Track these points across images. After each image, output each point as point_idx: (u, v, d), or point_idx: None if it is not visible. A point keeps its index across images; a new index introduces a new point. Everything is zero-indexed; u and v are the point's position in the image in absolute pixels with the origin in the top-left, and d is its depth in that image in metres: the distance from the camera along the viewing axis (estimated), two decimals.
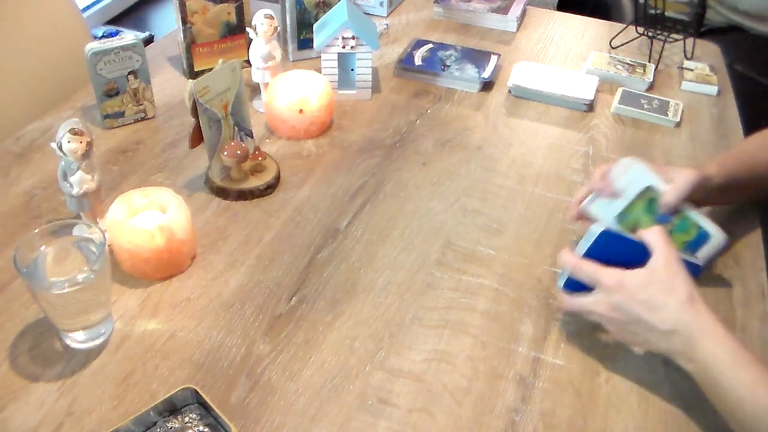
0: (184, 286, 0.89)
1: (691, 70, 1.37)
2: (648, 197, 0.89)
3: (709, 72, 1.37)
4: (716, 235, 0.89)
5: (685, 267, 0.77)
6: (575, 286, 0.80)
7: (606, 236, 0.79)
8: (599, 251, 0.79)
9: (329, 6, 1.30)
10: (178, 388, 0.73)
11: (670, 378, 0.80)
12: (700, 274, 0.81)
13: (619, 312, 0.76)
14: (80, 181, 0.87)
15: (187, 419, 0.73)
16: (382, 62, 1.38)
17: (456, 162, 1.13)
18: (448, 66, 1.33)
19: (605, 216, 0.89)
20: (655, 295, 0.74)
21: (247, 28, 1.18)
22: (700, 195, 0.90)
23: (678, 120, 1.23)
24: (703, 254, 0.90)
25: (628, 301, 0.75)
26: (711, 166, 0.93)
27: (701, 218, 0.89)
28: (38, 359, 0.79)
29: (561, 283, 0.83)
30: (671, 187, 0.87)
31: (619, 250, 0.79)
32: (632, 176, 0.89)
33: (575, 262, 0.80)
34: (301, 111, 1.13)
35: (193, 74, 1.28)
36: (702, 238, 0.89)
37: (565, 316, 0.87)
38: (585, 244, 0.80)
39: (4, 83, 1.25)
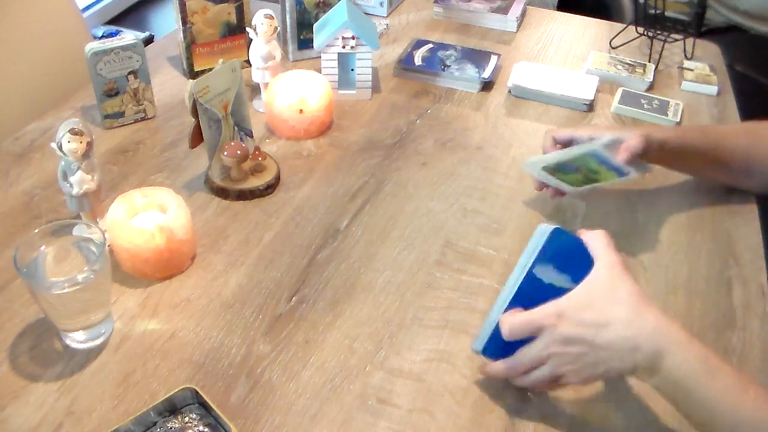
0: (184, 286, 0.89)
1: (691, 70, 1.37)
2: (596, 155, 0.91)
3: (709, 72, 1.37)
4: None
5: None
6: (496, 349, 0.72)
7: (555, 240, 0.72)
8: (550, 258, 0.73)
9: (329, 6, 1.30)
10: (178, 388, 0.73)
11: None
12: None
13: (570, 345, 0.68)
14: (80, 181, 0.87)
15: (187, 419, 0.73)
16: (382, 62, 1.38)
17: (456, 162, 1.13)
18: (448, 66, 1.33)
19: (540, 163, 0.94)
20: (600, 311, 0.67)
21: (247, 28, 1.18)
22: (654, 155, 0.94)
23: (678, 120, 1.23)
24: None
25: (575, 329, 0.67)
26: (669, 130, 1.00)
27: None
28: (38, 359, 0.79)
29: (479, 347, 0.74)
30: (622, 147, 0.89)
31: (571, 255, 0.72)
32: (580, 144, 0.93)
33: (508, 321, 0.70)
34: (301, 111, 1.13)
35: (193, 74, 1.28)
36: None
37: None
38: (530, 255, 0.73)
39: (4, 83, 1.25)
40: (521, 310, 0.72)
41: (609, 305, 0.67)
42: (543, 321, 0.69)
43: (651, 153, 0.93)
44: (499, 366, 0.74)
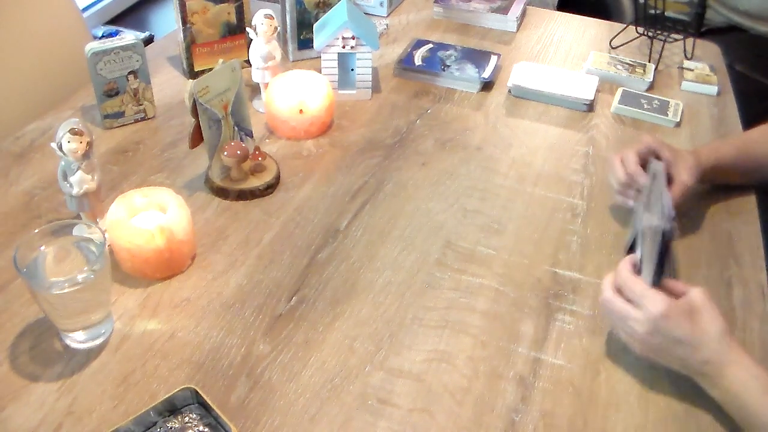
0: (184, 286, 0.89)
1: (691, 70, 1.37)
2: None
3: (709, 72, 1.37)
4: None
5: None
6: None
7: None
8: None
9: (329, 6, 1.30)
10: (178, 388, 0.73)
11: (670, 378, 0.80)
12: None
13: (656, 337, 0.76)
14: (80, 181, 0.87)
15: (187, 419, 0.73)
16: (382, 62, 1.38)
17: (456, 162, 1.13)
18: (448, 66, 1.33)
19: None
20: (696, 329, 0.75)
21: (247, 28, 1.18)
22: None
23: (678, 120, 1.23)
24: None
25: (671, 330, 0.75)
26: (703, 149, 1.01)
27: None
28: (38, 359, 0.79)
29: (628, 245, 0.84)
30: (674, 188, 0.94)
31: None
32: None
33: (627, 276, 0.79)
34: (301, 111, 1.13)
35: (193, 74, 1.28)
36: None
37: (565, 315, 0.87)
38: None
39: (4, 83, 1.25)
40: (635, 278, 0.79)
41: (705, 326, 0.75)
42: (651, 308, 0.75)
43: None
44: (607, 296, 0.80)
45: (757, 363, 0.73)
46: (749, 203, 1.06)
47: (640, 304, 0.76)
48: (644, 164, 0.97)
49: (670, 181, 0.95)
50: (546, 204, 1.05)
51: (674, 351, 0.76)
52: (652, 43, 1.42)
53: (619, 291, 0.79)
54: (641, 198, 0.94)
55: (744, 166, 1.03)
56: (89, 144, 0.86)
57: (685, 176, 0.95)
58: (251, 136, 1.10)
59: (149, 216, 0.91)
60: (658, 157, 0.96)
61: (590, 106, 1.27)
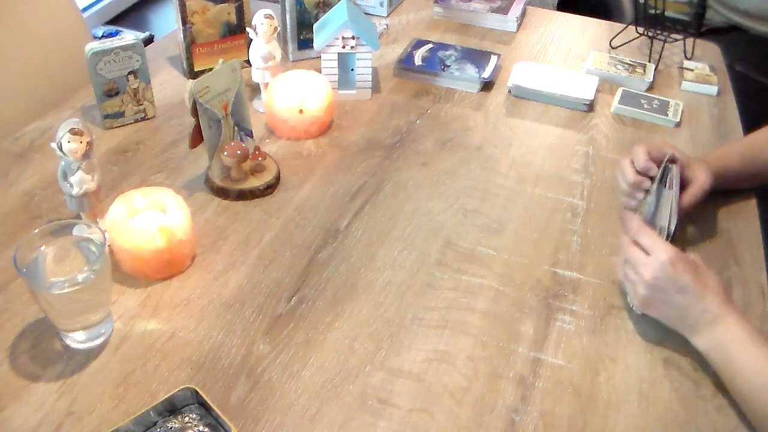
0: (184, 286, 0.89)
1: (691, 70, 1.37)
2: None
3: (709, 72, 1.37)
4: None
5: None
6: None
7: None
8: None
9: (329, 6, 1.30)
10: (178, 388, 0.73)
11: (670, 378, 0.80)
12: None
13: (661, 281, 0.80)
14: (80, 181, 0.87)
15: (187, 419, 0.73)
16: (382, 62, 1.38)
17: (456, 162, 1.13)
18: (448, 66, 1.33)
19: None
20: (700, 280, 0.80)
21: (247, 28, 1.18)
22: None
23: (678, 120, 1.23)
24: None
25: (677, 276, 0.79)
26: (710, 156, 1.02)
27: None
28: (38, 359, 0.79)
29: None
30: (688, 193, 0.95)
31: None
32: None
33: (639, 229, 0.84)
34: (301, 111, 1.13)
35: (193, 74, 1.28)
36: None
37: (565, 315, 0.87)
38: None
39: (4, 83, 1.25)
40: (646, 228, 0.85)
41: (706, 281, 0.80)
42: (660, 254, 0.81)
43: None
44: (636, 225, 0.86)
45: (750, 323, 0.77)
46: (749, 203, 1.06)
47: (651, 250, 0.82)
48: (657, 164, 0.96)
49: (683, 185, 0.95)
50: (546, 204, 1.05)
51: (675, 298, 0.80)
52: (652, 43, 1.42)
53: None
54: (648, 195, 0.93)
55: (750, 172, 1.04)
56: (89, 144, 0.86)
57: (704, 177, 0.96)
58: (251, 136, 1.10)
59: (149, 216, 0.91)
60: (671, 161, 0.95)
61: (590, 106, 1.27)
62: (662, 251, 0.81)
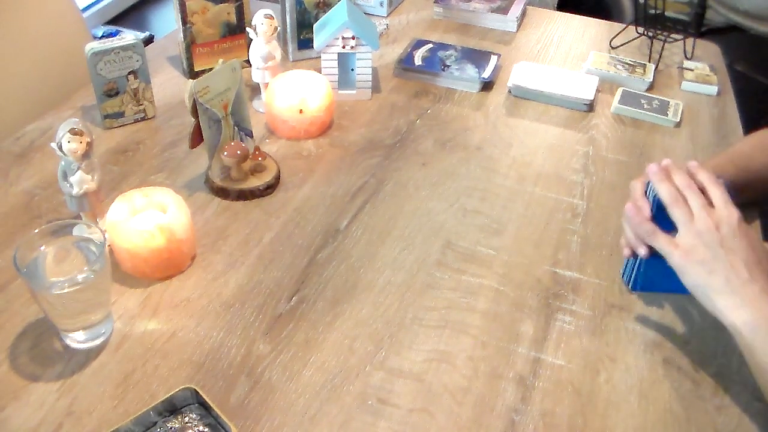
0: (184, 286, 0.89)
1: (691, 70, 1.37)
2: None
3: (709, 72, 1.37)
4: None
5: None
6: (646, 284, 0.87)
7: None
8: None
9: (329, 6, 1.31)
10: (178, 388, 0.73)
11: (670, 378, 0.80)
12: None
13: (721, 231, 0.77)
14: (80, 181, 0.87)
15: (187, 419, 0.73)
16: (382, 62, 1.38)
17: (456, 162, 1.13)
18: (448, 66, 1.33)
19: None
20: (755, 250, 0.76)
21: (247, 28, 1.18)
22: None
23: (678, 120, 1.23)
24: None
25: (737, 234, 0.77)
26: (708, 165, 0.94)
27: None
28: (38, 359, 0.79)
29: (629, 282, 0.89)
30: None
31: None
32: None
33: (710, 178, 0.81)
34: (301, 111, 1.13)
35: (193, 74, 1.28)
36: None
37: (565, 315, 0.87)
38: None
39: (4, 83, 1.25)
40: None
41: (757, 265, 0.76)
42: (729, 208, 0.78)
43: None
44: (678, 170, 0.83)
45: None
46: (749, 204, 1.06)
47: (722, 204, 0.78)
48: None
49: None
50: (546, 204, 1.05)
51: (727, 255, 0.76)
52: (652, 43, 1.42)
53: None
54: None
55: (744, 182, 0.99)
56: (89, 144, 0.86)
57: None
58: (251, 136, 1.10)
59: (149, 216, 0.91)
60: None
61: (590, 106, 1.27)
62: (735, 210, 0.78)
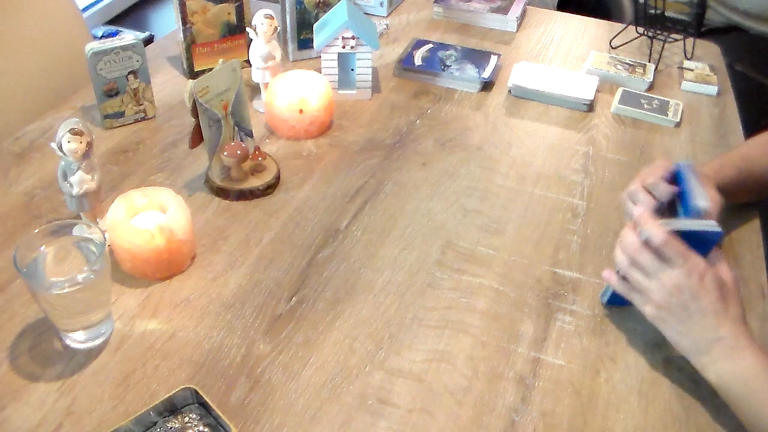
0: (184, 286, 0.89)
1: (691, 70, 1.37)
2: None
3: (709, 72, 1.37)
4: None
5: (704, 238, 0.78)
6: (618, 301, 0.82)
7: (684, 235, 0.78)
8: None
9: (329, 6, 1.30)
10: (178, 388, 0.73)
11: (670, 378, 0.80)
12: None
13: (683, 296, 0.76)
14: (80, 181, 0.87)
15: (187, 419, 0.73)
16: (382, 62, 1.38)
17: (456, 162, 1.13)
18: (448, 66, 1.33)
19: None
20: (721, 300, 0.75)
21: (247, 28, 1.18)
22: None
23: (678, 120, 1.23)
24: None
25: (698, 294, 0.75)
26: (708, 173, 0.94)
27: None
28: (38, 359, 0.79)
29: (604, 298, 0.86)
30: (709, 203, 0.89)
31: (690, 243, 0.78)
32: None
33: (665, 236, 0.77)
34: (301, 111, 1.13)
35: (193, 74, 1.28)
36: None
37: (565, 315, 0.87)
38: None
39: (4, 83, 1.25)
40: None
41: (728, 302, 0.76)
42: (688, 264, 0.76)
43: None
44: (657, 233, 0.78)
45: (763, 350, 0.74)
46: (749, 204, 1.06)
47: (680, 261, 0.76)
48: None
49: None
50: (546, 204, 1.05)
51: (691, 318, 0.76)
52: (652, 43, 1.42)
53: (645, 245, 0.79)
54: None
55: (747, 186, 0.99)
56: (89, 144, 0.86)
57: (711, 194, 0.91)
58: (251, 136, 1.10)
59: (149, 216, 0.91)
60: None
61: (590, 106, 1.27)
62: (695, 263, 0.76)
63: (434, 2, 1.57)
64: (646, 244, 0.78)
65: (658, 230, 0.77)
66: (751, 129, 1.22)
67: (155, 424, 0.72)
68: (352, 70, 1.25)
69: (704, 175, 0.92)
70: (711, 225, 0.79)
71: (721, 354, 0.74)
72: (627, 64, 1.37)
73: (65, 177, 0.87)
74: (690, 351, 0.77)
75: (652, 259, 0.78)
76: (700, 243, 0.78)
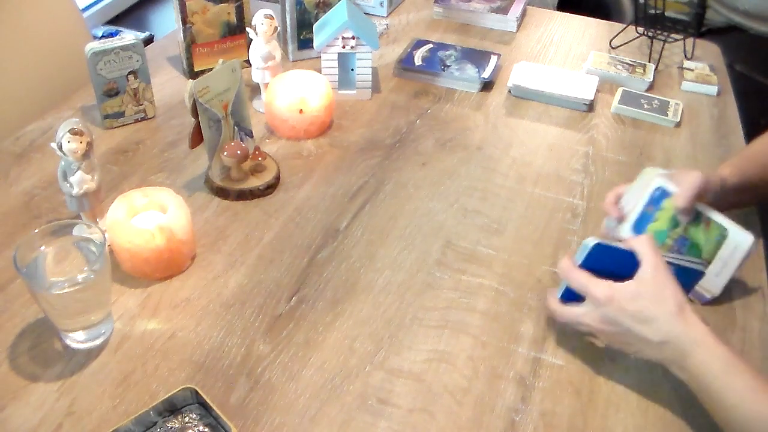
0: (184, 286, 0.89)
1: (691, 70, 1.37)
2: (671, 212, 0.88)
3: (709, 72, 1.37)
4: (739, 235, 0.86)
5: (687, 273, 0.78)
6: (572, 297, 0.79)
7: (599, 248, 0.77)
8: (594, 263, 0.78)
9: (329, 6, 1.31)
10: (178, 388, 0.73)
11: (670, 378, 0.80)
12: (727, 282, 0.83)
13: (609, 324, 0.75)
14: (80, 181, 0.87)
15: (187, 419, 0.73)
16: (382, 62, 1.38)
17: (456, 162, 1.13)
18: (448, 66, 1.33)
19: (623, 232, 0.91)
20: (645, 306, 0.73)
21: (247, 28, 1.18)
22: (716, 197, 0.90)
23: (678, 120, 1.23)
24: (725, 256, 0.87)
25: (617, 314, 0.74)
26: (725, 168, 0.94)
27: (723, 219, 0.87)
28: (38, 359, 0.79)
29: (558, 293, 0.83)
30: (679, 190, 0.87)
31: (614, 261, 0.77)
32: (642, 182, 0.89)
33: (569, 271, 0.78)
34: (301, 111, 1.13)
35: (193, 74, 1.28)
36: (722, 239, 0.87)
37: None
38: (580, 256, 0.78)
39: (4, 83, 1.25)
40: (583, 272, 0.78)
41: (653, 304, 0.74)
42: (596, 293, 0.75)
43: (711, 194, 0.89)
44: (558, 311, 0.80)
45: (719, 341, 0.71)
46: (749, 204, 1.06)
47: (586, 293, 0.76)
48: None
49: None
50: (546, 204, 1.05)
51: (631, 337, 0.75)
52: (652, 43, 1.42)
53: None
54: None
55: (763, 180, 0.96)
56: (89, 144, 0.86)
57: (693, 176, 0.88)
58: (251, 136, 1.10)
59: (149, 216, 0.91)
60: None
61: (590, 106, 1.27)
62: (595, 291, 0.75)
63: (434, 2, 1.57)
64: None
65: (561, 264, 0.79)
66: (751, 129, 1.22)
67: (155, 424, 0.72)
68: (352, 70, 1.25)
69: (689, 183, 0.88)
70: (695, 261, 0.81)
71: (676, 356, 0.73)
72: (627, 64, 1.37)
73: (65, 177, 0.87)
74: (660, 362, 0.76)
75: (568, 310, 0.79)
76: (683, 275, 0.77)
